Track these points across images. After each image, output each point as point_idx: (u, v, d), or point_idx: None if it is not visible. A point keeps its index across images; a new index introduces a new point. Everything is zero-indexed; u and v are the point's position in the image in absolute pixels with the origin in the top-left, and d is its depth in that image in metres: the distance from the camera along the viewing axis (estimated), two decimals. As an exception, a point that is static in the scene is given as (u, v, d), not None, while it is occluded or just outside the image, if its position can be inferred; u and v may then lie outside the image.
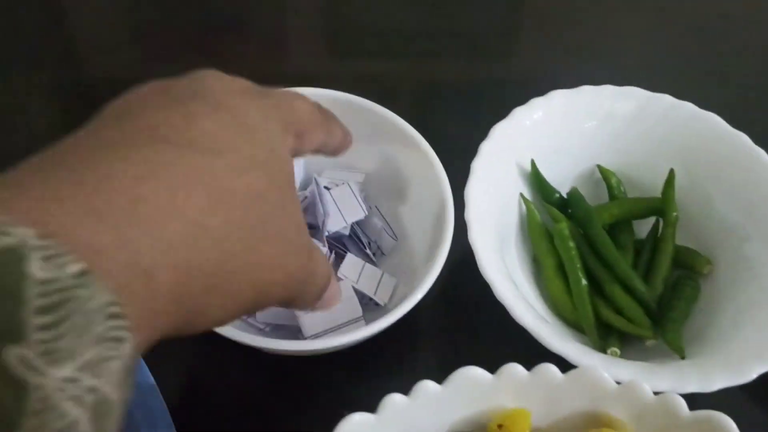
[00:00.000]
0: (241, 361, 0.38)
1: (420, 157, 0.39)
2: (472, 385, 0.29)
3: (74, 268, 0.15)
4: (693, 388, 0.31)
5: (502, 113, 0.40)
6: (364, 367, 0.38)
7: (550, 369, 0.29)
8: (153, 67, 0.51)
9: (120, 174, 0.17)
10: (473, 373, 0.29)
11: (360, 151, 0.39)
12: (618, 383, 0.29)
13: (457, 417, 0.30)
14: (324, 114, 0.28)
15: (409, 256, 0.39)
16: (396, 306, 0.34)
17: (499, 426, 0.29)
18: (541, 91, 0.41)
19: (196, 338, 0.38)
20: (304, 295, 0.24)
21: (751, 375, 0.31)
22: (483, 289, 0.37)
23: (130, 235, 0.16)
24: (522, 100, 0.40)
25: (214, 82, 0.22)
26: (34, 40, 0.53)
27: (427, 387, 0.29)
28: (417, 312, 0.39)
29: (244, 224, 0.20)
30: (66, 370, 0.14)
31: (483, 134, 0.39)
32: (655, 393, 0.29)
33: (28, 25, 0.54)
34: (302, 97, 0.27)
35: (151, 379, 0.36)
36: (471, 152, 0.38)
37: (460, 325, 0.40)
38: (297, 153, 0.26)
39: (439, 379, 0.29)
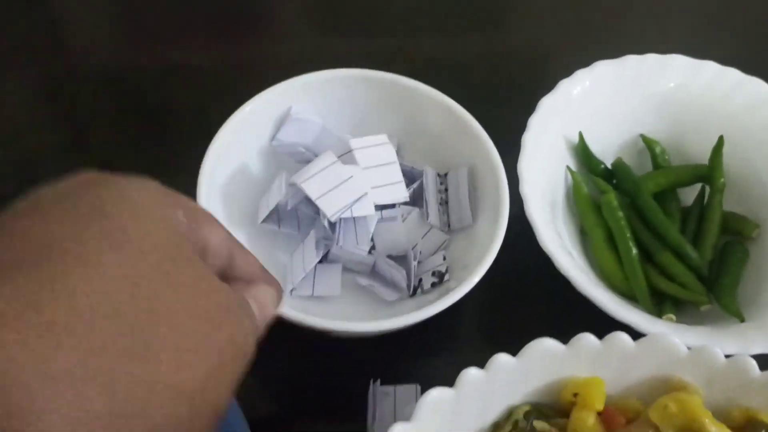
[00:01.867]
0: (298, 344, 0.38)
1: (470, 138, 0.39)
2: (545, 357, 0.30)
3: None
4: (759, 349, 0.31)
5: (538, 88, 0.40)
6: (417, 345, 0.39)
7: (622, 337, 0.30)
8: (141, 53, 0.51)
9: None
10: (547, 344, 0.30)
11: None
12: (689, 348, 0.30)
13: (531, 388, 0.31)
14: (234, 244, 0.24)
15: (465, 237, 0.39)
16: (458, 285, 0.34)
17: (575, 395, 0.30)
18: (584, 63, 0.41)
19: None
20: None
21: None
22: (533, 262, 0.38)
23: None
24: (566, 73, 0.40)
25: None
26: (20, 29, 0.51)
27: (502, 360, 0.29)
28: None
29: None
30: None
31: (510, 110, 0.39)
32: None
33: (15, 13, 0.52)
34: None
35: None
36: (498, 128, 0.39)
37: (513, 299, 0.41)
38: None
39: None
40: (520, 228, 0.36)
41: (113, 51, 0.51)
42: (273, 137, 0.40)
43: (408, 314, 0.34)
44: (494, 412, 0.31)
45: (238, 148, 0.38)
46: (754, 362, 0.29)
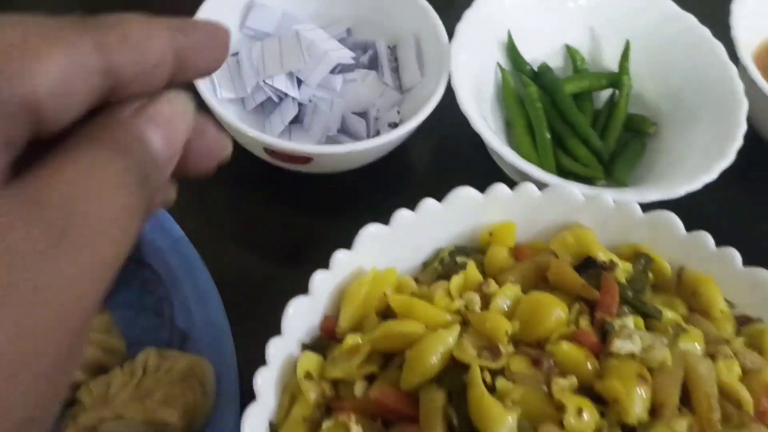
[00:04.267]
0: (255, 195, 0.45)
1: (415, 10, 0.45)
2: (466, 202, 0.35)
3: None
4: (631, 198, 0.37)
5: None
6: (362, 192, 0.45)
7: (530, 187, 0.35)
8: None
9: None
10: (467, 192, 0.35)
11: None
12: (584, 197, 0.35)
13: (455, 233, 0.36)
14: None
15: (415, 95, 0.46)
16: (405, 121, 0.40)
17: (490, 234, 0.35)
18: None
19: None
20: None
21: (679, 192, 0.38)
22: (462, 137, 0.44)
23: None
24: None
25: None
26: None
27: (429, 204, 0.34)
28: (408, 149, 0.45)
29: None
30: None
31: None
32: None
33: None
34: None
35: (180, 232, 0.39)
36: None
37: (442, 162, 0.47)
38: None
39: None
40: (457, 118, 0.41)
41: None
42: (241, 24, 0.45)
43: (365, 141, 0.39)
44: (424, 252, 0.36)
45: None
46: (637, 205, 0.35)
